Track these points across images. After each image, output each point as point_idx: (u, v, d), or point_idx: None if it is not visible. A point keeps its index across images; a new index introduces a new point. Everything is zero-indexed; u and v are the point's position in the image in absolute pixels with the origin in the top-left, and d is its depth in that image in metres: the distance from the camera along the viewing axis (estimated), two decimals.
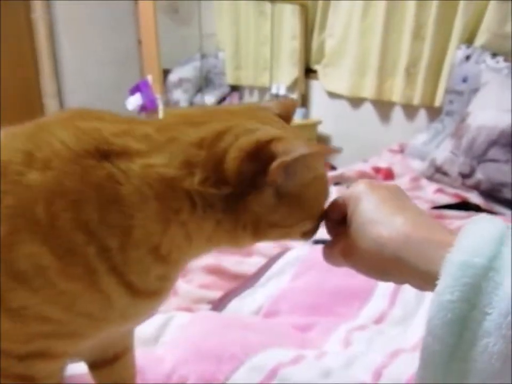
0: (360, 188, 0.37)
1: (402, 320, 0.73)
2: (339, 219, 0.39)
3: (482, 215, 0.31)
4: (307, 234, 0.41)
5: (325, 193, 0.39)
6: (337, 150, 0.35)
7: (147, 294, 0.35)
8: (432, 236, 0.30)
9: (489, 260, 0.26)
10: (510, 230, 0.28)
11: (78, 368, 0.49)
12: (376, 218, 0.33)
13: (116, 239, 0.31)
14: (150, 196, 0.31)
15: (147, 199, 0.31)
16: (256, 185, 0.33)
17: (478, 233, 0.28)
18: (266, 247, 0.95)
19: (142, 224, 0.32)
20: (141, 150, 0.32)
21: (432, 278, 0.27)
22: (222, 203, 0.33)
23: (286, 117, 0.42)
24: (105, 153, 0.31)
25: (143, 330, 0.63)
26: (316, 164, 0.36)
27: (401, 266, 0.31)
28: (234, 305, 0.77)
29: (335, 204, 0.39)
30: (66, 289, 0.31)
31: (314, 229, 0.41)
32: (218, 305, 0.77)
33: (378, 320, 0.73)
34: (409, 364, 0.59)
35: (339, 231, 0.38)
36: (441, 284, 0.26)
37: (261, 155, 0.32)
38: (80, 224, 0.30)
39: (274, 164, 0.32)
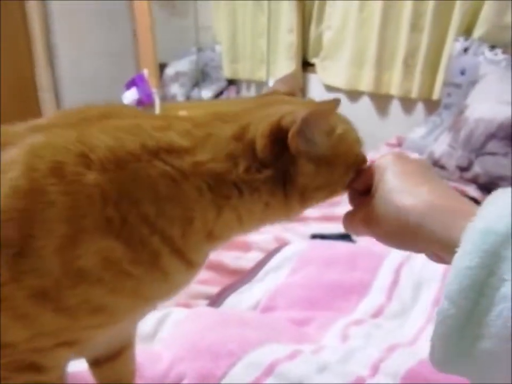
0: (388, 158, 0.38)
1: (399, 314, 0.73)
2: (363, 188, 0.40)
3: (505, 188, 0.31)
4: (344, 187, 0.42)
5: (356, 143, 0.41)
6: (336, 102, 0.35)
7: (197, 265, 0.39)
8: (455, 205, 0.31)
9: (510, 228, 0.26)
10: None
11: (78, 366, 0.49)
12: (402, 187, 0.34)
13: (178, 228, 0.35)
14: (205, 189, 0.35)
15: (203, 192, 0.35)
16: (290, 161, 0.37)
17: (501, 203, 0.28)
18: (264, 242, 0.95)
19: (201, 214, 0.35)
20: (185, 146, 0.35)
21: (452, 245, 0.28)
22: (266, 185, 0.37)
23: (292, 91, 0.45)
24: (152, 150, 0.34)
25: (140, 326, 0.63)
26: (330, 121, 0.38)
27: (422, 234, 0.31)
28: (231, 300, 0.77)
29: (360, 173, 0.41)
30: (134, 274, 0.34)
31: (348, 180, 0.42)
32: (216, 300, 0.77)
33: (376, 314, 0.73)
34: (407, 358, 0.59)
35: (361, 200, 0.40)
36: (461, 250, 0.27)
37: (278, 134, 0.36)
38: (143, 218, 0.33)
39: (289, 136, 0.35)
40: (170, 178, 0.34)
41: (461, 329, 0.26)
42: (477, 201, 1.15)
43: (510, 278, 0.24)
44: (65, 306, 0.32)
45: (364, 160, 0.42)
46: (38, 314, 0.32)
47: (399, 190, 0.34)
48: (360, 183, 0.41)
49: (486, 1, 1.63)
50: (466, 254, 0.26)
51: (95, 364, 0.47)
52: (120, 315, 0.37)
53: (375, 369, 0.58)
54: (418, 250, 0.35)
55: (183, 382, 0.53)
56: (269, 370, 0.54)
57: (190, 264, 0.37)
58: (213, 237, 0.38)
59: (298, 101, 0.43)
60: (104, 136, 0.33)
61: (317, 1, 2.37)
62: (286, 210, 0.39)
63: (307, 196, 0.39)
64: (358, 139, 0.42)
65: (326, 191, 0.40)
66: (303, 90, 2.65)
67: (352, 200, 0.42)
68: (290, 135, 0.35)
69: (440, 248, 0.30)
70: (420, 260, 0.80)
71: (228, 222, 0.37)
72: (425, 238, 0.31)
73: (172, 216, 0.34)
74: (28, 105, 2.53)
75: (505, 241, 0.25)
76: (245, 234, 0.42)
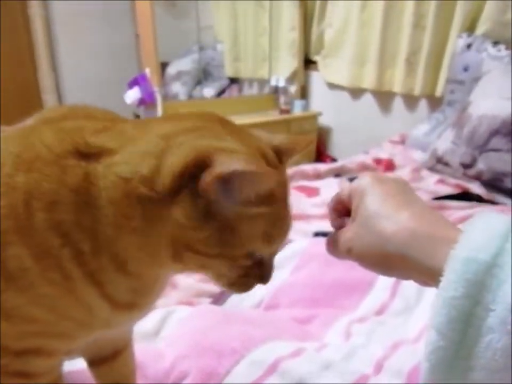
0: (365, 181, 0.36)
1: (403, 311, 0.73)
2: (343, 212, 0.38)
3: (487, 210, 0.30)
4: (233, 285, 0.36)
5: (262, 240, 0.34)
6: (271, 174, 0.32)
7: (123, 306, 0.35)
8: (437, 231, 0.30)
9: (493, 256, 0.25)
10: None
11: (78, 364, 0.49)
12: (381, 212, 0.32)
13: (88, 242, 0.31)
14: (107, 198, 0.31)
15: (108, 201, 0.31)
16: (189, 193, 0.30)
17: (482, 229, 0.27)
18: None
19: (104, 229, 0.31)
20: (112, 147, 0.31)
21: (436, 274, 0.27)
22: (141, 211, 0.31)
23: (290, 149, 0.39)
24: (84, 153, 0.31)
25: (143, 325, 0.63)
26: (264, 192, 0.32)
27: (405, 262, 0.30)
28: (234, 298, 0.77)
29: (339, 196, 0.39)
30: (46, 292, 0.31)
31: (241, 282, 0.36)
32: (218, 298, 0.77)
33: (379, 311, 0.73)
34: (410, 356, 0.59)
35: (343, 223, 0.38)
36: (445, 280, 0.26)
37: (199, 164, 0.29)
38: (54, 225, 0.30)
39: (208, 173, 0.29)
40: (89, 182, 0.31)
41: (450, 361, 0.26)
42: (481, 198, 1.13)
43: (495, 308, 0.24)
44: (5, 308, 0.31)
45: (248, 266, 0.35)
46: None
47: (379, 215, 0.32)
48: (339, 206, 0.39)
49: None
50: (451, 283, 0.26)
51: (93, 364, 0.47)
52: (61, 330, 0.34)
53: (379, 368, 0.57)
54: (404, 277, 0.33)
55: (186, 380, 0.53)
56: (272, 368, 0.54)
57: (113, 302, 0.33)
58: (121, 267, 0.32)
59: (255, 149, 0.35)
60: (46, 135, 0.32)
61: None
62: (158, 255, 0.32)
63: (178, 249, 0.32)
64: (269, 237, 0.34)
65: (197, 259, 0.33)
66: (305, 88, 2.64)
67: (333, 222, 0.40)
68: (209, 176, 0.29)
69: (426, 276, 0.30)
70: None
71: (129, 247, 0.32)
72: (409, 266, 0.30)
73: (84, 226, 0.31)
74: (31, 107, 2.52)
75: (488, 270, 0.25)
76: (173, 275, 0.37)
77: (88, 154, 0.31)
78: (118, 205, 0.31)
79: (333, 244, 0.38)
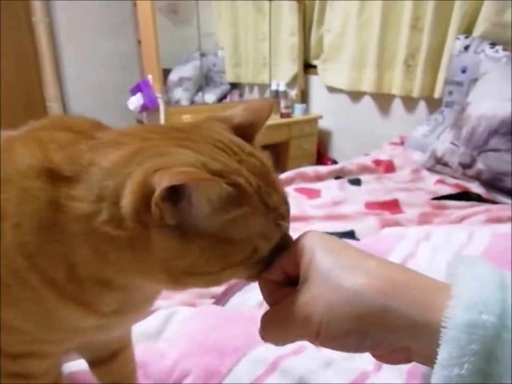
0: (310, 236, 0.31)
1: None
2: (282, 278, 0.32)
3: (467, 255, 0.26)
4: (252, 277, 0.33)
5: (260, 236, 0.30)
6: (213, 180, 0.27)
7: (110, 314, 0.34)
8: (420, 279, 0.26)
9: (499, 316, 0.21)
10: (509, 276, 0.24)
11: (80, 365, 0.50)
12: (343, 264, 0.27)
13: (60, 270, 0.30)
14: (75, 230, 0.29)
15: (77, 233, 0.29)
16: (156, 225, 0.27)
17: (474, 280, 0.23)
18: None
19: (83, 257, 0.29)
20: (68, 175, 0.29)
21: (432, 330, 0.23)
22: (130, 245, 0.29)
23: (253, 122, 0.35)
24: (49, 173, 0.29)
25: (146, 325, 0.64)
26: (218, 193, 0.27)
27: (386, 318, 0.24)
28: (237, 299, 0.77)
29: (276, 265, 0.32)
30: (28, 308, 0.31)
31: (261, 269, 0.32)
32: (221, 299, 0.77)
33: None
34: None
35: (282, 294, 0.30)
36: (444, 354, 0.22)
37: (149, 189, 0.26)
38: (19, 247, 0.29)
39: (152, 203, 0.26)
40: (55, 208, 0.29)
41: None
42: (480, 198, 1.13)
43: (510, 382, 0.20)
44: None
45: (267, 258, 0.32)
46: None
47: (342, 267, 0.27)
48: (276, 274, 0.32)
49: (485, 0, 1.64)
50: (453, 359, 0.21)
51: (93, 365, 0.47)
52: (50, 338, 0.34)
53: (379, 364, 0.57)
54: (383, 347, 0.25)
55: (188, 379, 0.54)
56: (274, 366, 0.55)
57: (97, 312, 0.33)
58: (107, 285, 0.31)
59: (216, 149, 0.30)
60: (20, 149, 0.31)
61: (317, 3, 2.38)
62: (153, 279, 0.31)
63: (175, 276, 0.29)
64: (265, 234, 0.30)
65: (202, 279, 0.30)
66: (305, 92, 2.66)
67: (268, 295, 0.32)
68: (153, 201, 0.26)
69: (414, 335, 0.24)
70: (425, 257, 0.80)
71: (112, 271, 0.31)
72: (392, 324, 0.24)
73: (54, 254, 0.29)
74: (35, 115, 2.55)
75: (497, 335, 0.21)
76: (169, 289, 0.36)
77: (53, 175, 0.29)
78: (89, 239, 0.29)
79: (274, 324, 0.30)
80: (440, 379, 0.22)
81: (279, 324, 0.29)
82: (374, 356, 0.28)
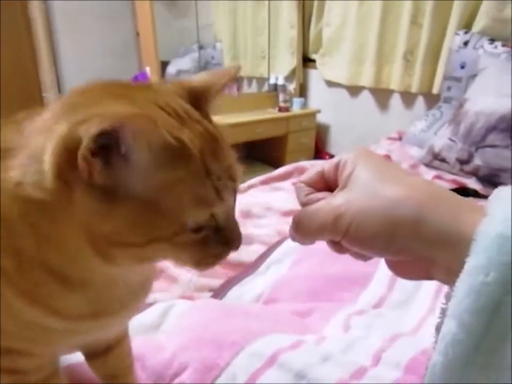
0: (356, 152, 0.30)
1: (401, 304, 0.73)
2: (320, 189, 0.32)
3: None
4: (200, 264, 0.30)
5: (194, 205, 0.27)
6: (155, 123, 0.23)
7: (84, 316, 0.32)
8: (458, 198, 0.26)
9: None
10: None
11: (78, 357, 0.50)
12: (387, 177, 0.27)
13: (10, 259, 0.28)
14: (12, 205, 0.27)
15: (14, 207, 0.27)
16: (78, 182, 0.25)
17: (510, 201, 0.23)
18: (266, 235, 0.95)
19: (23, 242, 0.27)
20: (10, 146, 0.27)
21: (461, 242, 0.23)
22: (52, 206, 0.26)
23: (209, 86, 0.32)
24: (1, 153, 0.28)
25: (144, 318, 0.64)
26: (155, 142, 0.24)
27: (417, 228, 0.25)
28: (234, 292, 0.77)
29: (319, 170, 0.32)
30: None
31: (203, 257, 0.30)
32: (219, 293, 0.78)
33: (378, 304, 0.74)
34: (409, 347, 0.59)
35: (316, 197, 0.31)
36: (472, 262, 0.22)
37: (70, 148, 0.24)
38: None
39: (79, 152, 0.23)
40: None
41: (470, 356, 0.22)
42: (477, 193, 1.14)
43: None
44: None
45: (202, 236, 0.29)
46: None
47: (385, 179, 0.27)
48: (318, 182, 0.32)
49: None
50: (480, 266, 0.22)
51: (88, 357, 0.47)
52: (28, 337, 0.33)
53: (377, 359, 0.58)
54: (406, 254, 0.26)
55: (186, 372, 0.54)
56: (272, 360, 0.55)
57: (65, 316, 0.31)
58: (62, 279, 0.29)
59: (159, 110, 0.27)
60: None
61: None
62: (77, 248, 0.28)
63: (100, 246, 0.27)
64: (202, 205, 0.27)
65: (127, 252, 0.28)
66: (304, 86, 2.65)
67: (303, 197, 0.32)
68: (79, 155, 0.23)
69: (444, 246, 0.24)
70: None
71: (53, 255, 0.28)
72: (420, 235, 0.25)
73: (3, 244, 0.27)
74: (32, 105, 2.53)
75: None
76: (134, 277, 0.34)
77: (1, 152, 0.27)
78: (22, 214, 0.27)
79: (306, 220, 0.30)
80: (463, 287, 0.22)
81: (311, 220, 0.29)
82: (393, 266, 0.29)
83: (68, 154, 0.24)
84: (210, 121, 0.31)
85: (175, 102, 0.29)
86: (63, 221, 0.26)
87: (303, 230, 0.30)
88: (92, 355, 0.46)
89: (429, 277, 0.27)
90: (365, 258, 0.31)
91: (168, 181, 0.25)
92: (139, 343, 0.57)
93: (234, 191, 0.30)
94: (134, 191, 0.25)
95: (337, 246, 0.31)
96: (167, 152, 0.25)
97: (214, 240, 0.29)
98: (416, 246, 0.25)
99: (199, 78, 0.33)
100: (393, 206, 0.26)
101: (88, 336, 0.37)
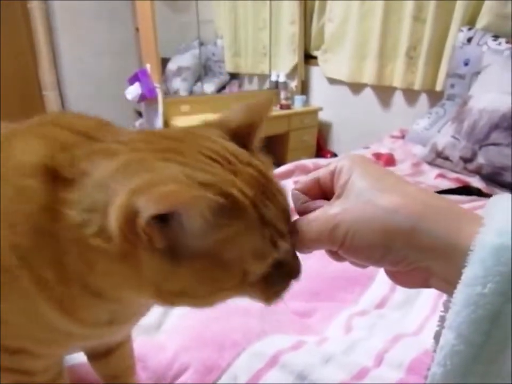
0: (349, 159, 0.30)
1: (403, 304, 0.73)
2: (316, 196, 0.33)
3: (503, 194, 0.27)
4: (268, 300, 0.32)
5: (252, 256, 0.28)
6: (200, 195, 0.24)
7: (101, 324, 0.33)
8: (455, 207, 0.26)
9: None
10: None
11: (80, 358, 0.50)
12: (382, 186, 0.27)
13: (51, 271, 0.29)
14: (67, 236, 0.28)
15: (68, 239, 0.28)
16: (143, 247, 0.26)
17: (507, 211, 0.23)
18: None
19: (70, 262, 0.29)
20: (67, 177, 0.28)
21: (457, 253, 0.23)
22: (121, 261, 0.27)
23: (251, 124, 0.34)
24: (49, 172, 0.29)
25: (145, 318, 0.63)
26: (208, 213, 0.25)
27: (413, 238, 0.25)
28: None
29: (315, 176, 0.32)
30: (17, 304, 0.30)
31: (270, 292, 0.32)
32: None
33: (380, 305, 0.73)
34: (411, 348, 0.59)
35: (312, 207, 0.31)
36: (470, 273, 0.22)
37: (131, 218, 0.25)
38: (13, 246, 0.28)
39: (138, 227, 0.24)
40: (49, 209, 0.28)
41: (468, 367, 0.22)
42: (481, 192, 1.13)
43: None
44: None
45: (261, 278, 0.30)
46: None
47: (380, 188, 0.27)
48: (313, 189, 0.32)
49: None
50: (478, 278, 0.22)
51: (91, 358, 0.47)
52: (40, 338, 0.34)
53: (379, 360, 0.58)
54: (402, 264, 0.26)
55: (188, 373, 0.54)
56: (273, 360, 0.54)
57: (86, 323, 0.32)
58: (97, 294, 0.30)
59: (208, 160, 0.28)
60: (20, 145, 0.30)
61: None
62: (146, 297, 0.30)
63: (164, 296, 0.28)
64: (260, 252, 0.28)
65: (192, 301, 0.29)
66: (305, 83, 2.64)
67: (299, 205, 0.33)
68: (139, 228, 0.25)
69: (440, 256, 0.25)
70: None
71: (104, 280, 0.30)
72: (420, 243, 0.25)
73: (45, 254, 0.29)
74: (32, 105, 2.54)
75: None
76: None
77: (52, 172, 0.28)
78: (78, 248, 0.28)
79: (302, 231, 0.30)
80: (461, 298, 0.22)
81: (308, 231, 0.29)
82: (392, 275, 0.29)
83: (128, 223, 0.25)
84: (257, 158, 0.31)
85: (221, 147, 0.30)
86: (124, 269, 0.27)
87: (301, 241, 0.30)
88: (95, 356, 0.47)
89: (428, 286, 0.27)
90: (364, 266, 0.30)
91: (225, 237, 0.27)
92: (140, 343, 0.56)
93: (291, 230, 0.30)
94: (194, 251, 0.26)
95: (336, 255, 0.31)
96: (220, 213, 0.26)
97: (276, 276, 0.31)
98: (412, 256, 0.25)
99: (238, 116, 0.34)
100: (388, 215, 0.26)
101: (100, 339, 0.38)
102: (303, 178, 0.33)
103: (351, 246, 0.27)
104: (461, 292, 0.22)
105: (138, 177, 0.25)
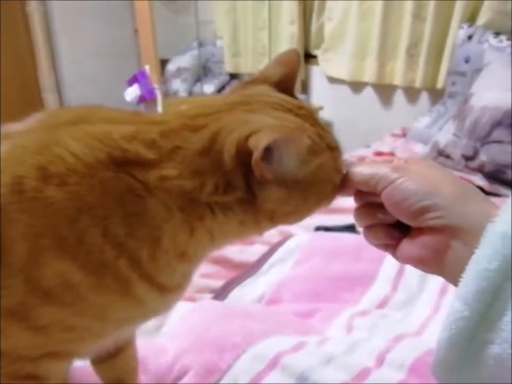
0: (387, 169, 0.34)
1: (405, 304, 0.73)
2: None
3: None
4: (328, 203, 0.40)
5: (335, 173, 0.37)
6: (301, 133, 0.33)
7: (173, 289, 0.36)
8: (483, 202, 0.31)
9: None
10: None
11: (82, 361, 0.49)
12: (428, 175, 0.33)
13: (146, 250, 0.32)
14: (173, 207, 0.32)
15: (171, 210, 0.32)
16: (259, 184, 0.33)
17: None
18: (268, 235, 0.95)
19: (170, 234, 0.32)
20: (151, 159, 0.32)
21: (476, 235, 0.28)
22: (239, 205, 0.33)
23: (289, 75, 0.40)
24: (119, 162, 0.31)
25: None
26: (303, 146, 0.33)
27: (460, 197, 0.31)
28: (236, 293, 0.77)
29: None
30: (98, 301, 0.32)
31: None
32: (220, 294, 0.77)
33: (381, 305, 0.73)
34: (413, 348, 0.59)
35: (375, 218, 0.37)
36: (480, 252, 0.27)
37: (245, 157, 0.31)
38: (109, 239, 0.30)
39: (252, 163, 0.31)
40: (136, 194, 0.31)
41: (471, 333, 0.26)
42: (483, 191, 1.13)
43: None
44: (37, 325, 0.31)
45: (342, 189, 0.38)
46: (13, 331, 0.31)
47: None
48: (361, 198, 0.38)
49: None
50: (485, 256, 0.26)
51: (95, 361, 0.47)
52: (95, 333, 0.35)
53: (380, 360, 0.57)
54: (437, 214, 0.31)
55: (188, 375, 0.53)
56: (274, 362, 0.54)
57: (164, 289, 0.35)
58: (186, 258, 0.35)
59: (277, 111, 0.36)
60: (72, 143, 0.31)
61: None
62: (257, 228, 0.37)
63: (277, 220, 0.36)
64: (337, 168, 0.37)
65: (297, 216, 0.37)
66: (305, 82, 2.63)
67: (364, 220, 0.38)
68: (253, 162, 0.30)
69: (473, 225, 0.29)
70: None
71: (201, 242, 0.35)
72: (464, 205, 0.30)
73: (139, 236, 0.31)
74: (31, 107, 2.54)
75: None
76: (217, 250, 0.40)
77: (124, 163, 0.31)
78: (183, 214, 0.32)
79: (362, 167, 0.36)
80: (471, 272, 0.26)
81: (367, 167, 0.36)
82: (401, 247, 0.34)
83: (243, 164, 0.31)
84: (303, 103, 0.39)
85: (279, 98, 0.37)
86: (240, 212, 0.34)
87: (359, 174, 0.36)
88: (99, 358, 0.46)
89: (441, 267, 0.31)
90: (392, 239, 0.35)
91: (317, 166, 0.34)
92: (140, 345, 0.56)
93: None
94: (297, 179, 0.34)
95: (370, 211, 0.37)
96: (309, 150, 0.33)
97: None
98: (452, 211, 0.30)
99: (276, 70, 0.40)
100: (444, 175, 0.32)
101: (153, 314, 0.40)
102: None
103: (398, 189, 0.32)
104: (471, 267, 0.27)
105: (242, 128, 0.31)
